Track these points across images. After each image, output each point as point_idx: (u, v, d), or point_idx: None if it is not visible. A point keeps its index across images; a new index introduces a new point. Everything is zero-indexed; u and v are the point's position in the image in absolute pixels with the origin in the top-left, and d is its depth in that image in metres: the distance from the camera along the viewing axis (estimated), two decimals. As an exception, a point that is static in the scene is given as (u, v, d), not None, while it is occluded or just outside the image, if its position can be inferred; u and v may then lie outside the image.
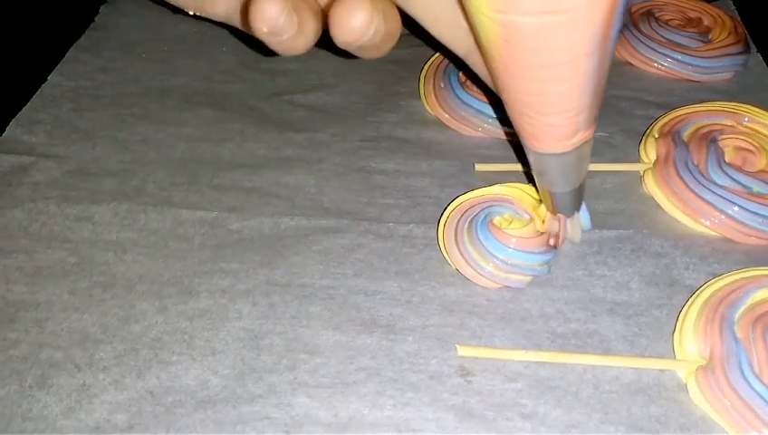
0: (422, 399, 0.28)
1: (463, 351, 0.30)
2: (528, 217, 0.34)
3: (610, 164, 0.39)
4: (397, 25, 0.25)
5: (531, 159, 0.28)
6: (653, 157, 0.39)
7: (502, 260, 0.31)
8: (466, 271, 0.32)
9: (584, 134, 0.25)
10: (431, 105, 0.43)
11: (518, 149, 0.28)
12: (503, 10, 0.19)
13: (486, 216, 0.33)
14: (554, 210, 0.32)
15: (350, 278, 0.33)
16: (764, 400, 0.27)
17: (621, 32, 0.29)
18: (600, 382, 0.29)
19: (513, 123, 0.26)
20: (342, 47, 0.24)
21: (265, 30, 0.23)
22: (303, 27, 0.23)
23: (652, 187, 0.38)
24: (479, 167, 0.39)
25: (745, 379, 0.27)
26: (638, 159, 0.40)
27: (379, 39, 0.23)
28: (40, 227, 0.35)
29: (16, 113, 0.41)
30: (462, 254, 0.32)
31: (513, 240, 0.32)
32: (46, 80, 0.44)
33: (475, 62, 0.28)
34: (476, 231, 0.32)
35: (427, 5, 0.26)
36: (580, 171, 0.29)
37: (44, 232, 0.34)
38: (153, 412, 0.27)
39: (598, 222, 0.35)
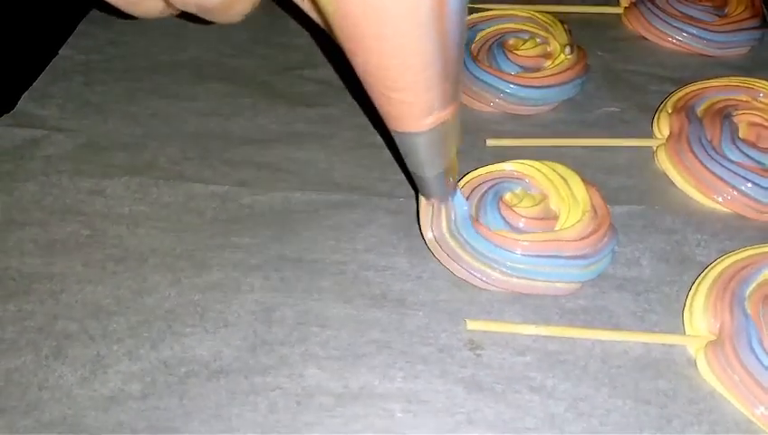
0: (432, 371, 0.28)
1: (472, 325, 0.30)
2: (540, 193, 0.33)
3: (623, 139, 0.39)
4: None
5: (395, 140, 0.27)
6: (666, 132, 0.38)
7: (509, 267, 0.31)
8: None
9: (440, 114, 0.24)
10: (442, 80, 0.42)
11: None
12: None
13: (496, 193, 0.33)
14: (427, 195, 0.31)
15: (360, 253, 0.33)
16: (773, 375, 0.27)
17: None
18: (609, 357, 0.29)
19: (372, 100, 0.25)
20: (180, 8, 0.23)
21: None
22: None
23: (665, 162, 0.37)
24: (490, 142, 0.39)
25: (755, 355, 0.27)
26: (651, 135, 0.40)
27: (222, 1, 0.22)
28: (53, 201, 0.35)
29: (28, 87, 0.41)
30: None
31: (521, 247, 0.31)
32: (57, 53, 0.44)
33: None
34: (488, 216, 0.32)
35: None
36: (441, 155, 0.27)
37: (57, 205, 0.35)
38: (167, 382, 0.28)
39: (610, 197, 0.35)
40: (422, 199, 0.32)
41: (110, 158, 0.37)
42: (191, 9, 0.22)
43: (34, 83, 0.42)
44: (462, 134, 0.28)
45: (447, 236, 0.32)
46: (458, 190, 0.32)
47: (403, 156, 0.28)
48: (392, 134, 0.26)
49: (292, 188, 0.36)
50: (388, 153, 0.38)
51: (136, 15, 0.25)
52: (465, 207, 0.32)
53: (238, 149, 0.38)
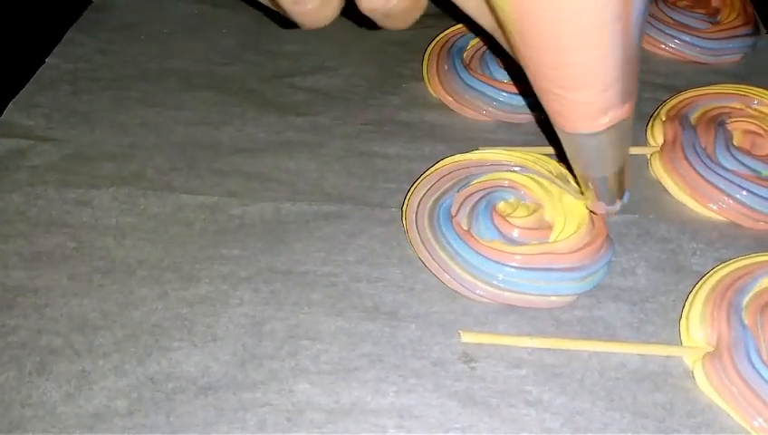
0: (425, 385, 0.28)
1: (466, 337, 0.29)
2: (534, 203, 0.33)
3: (617, 148, 0.39)
4: None
5: (562, 141, 0.26)
6: (660, 140, 0.38)
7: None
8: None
9: (617, 112, 0.23)
10: (434, 87, 0.42)
11: (550, 131, 0.27)
12: None
13: (489, 202, 0.32)
14: (595, 198, 0.30)
15: (352, 265, 0.33)
16: (772, 387, 0.26)
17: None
18: (606, 369, 0.28)
19: (541, 102, 0.24)
20: (368, 14, 0.23)
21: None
22: None
23: (659, 170, 0.37)
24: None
25: (753, 366, 0.27)
26: (645, 143, 0.39)
27: (406, 5, 0.22)
28: (38, 212, 0.34)
29: (14, 96, 0.40)
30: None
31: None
32: (44, 62, 0.43)
33: (501, 37, 0.26)
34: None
35: None
36: (616, 154, 0.27)
37: (43, 217, 0.34)
38: (153, 399, 0.27)
39: (603, 207, 0.34)
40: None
41: (97, 168, 0.37)
42: (375, 15, 0.23)
43: (20, 93, 0.41)
44: (632, 131, 0.27)
45: None
46: (627, 193, 0.31)
47: (570, 159, 0.27)
48: (559, 134, 0.26)
49: (283, 198, 0.36)
50: (379, 162, 0.38)
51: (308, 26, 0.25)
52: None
53: (227, 159, 0.38)
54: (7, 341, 0.29)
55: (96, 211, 0.34)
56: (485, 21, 0.26)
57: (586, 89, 0.22)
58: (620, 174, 0.28)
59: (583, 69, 0.21)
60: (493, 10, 0.22)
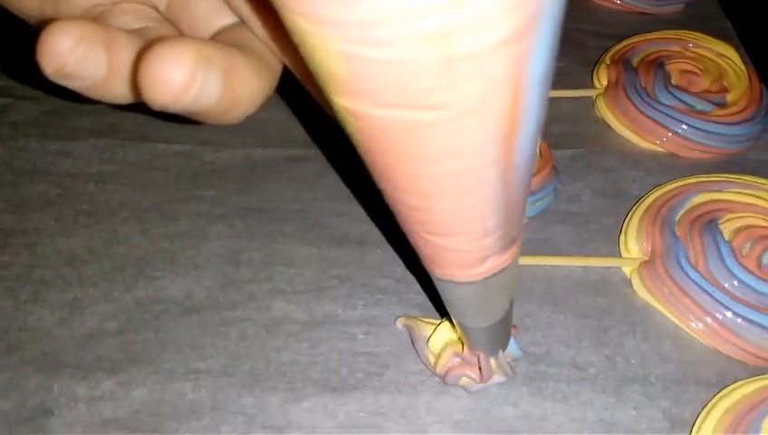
0: (390, 299, 0.30)
1: (427, 258, 0.32)
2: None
3: (565, 90, 0.42)
4: (255, 85, 0.18)
5: (435, 285, 0.22)
6: (605, 82, 0.41)
7: None
8: None
9: (498, 261, 0.19)
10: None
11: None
12: (353, 99, 0.13)
13: None
14: (471, 347, 0.26)
15: (321, 202, 0.35)
16: (699, 286, 0.30)
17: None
18: (552, 280, 0.31)
19: (410, 241, 0.20)
20: (156, 108, 0.15)
21: (49, 71, 0.15)
22: (118, 69, 0.16)
23: (603, 109, 0.40)
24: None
25: (682, 269, 0.30)
26: (591, 85, 0.42)
27: (217, 103, 0.16)
28: (22, 163, 0.36)
29: (-10, 59, 0.42)
30: None
31: None
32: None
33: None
34: None
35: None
36: (497, 304, 0.23)
37: (27, 167, 0.36)
38: (142, 319, 0.29)
39: (554, 143, 0.37)
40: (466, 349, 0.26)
41: (75, 122, 0.39)
42: (175, 112, 0.15)
43: (-4, 55, 0.42)
44: (520, 276, 0.24)
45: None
46: (513, 340, 0.27)
47: (443, 301, 0.23)
48: (432, 278, 0.21)
49: (253, 144, 0.38)
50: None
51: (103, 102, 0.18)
52: (518, 355, 0.28)
53: (201, 111, 0.40)
54: (1, 275, 0.31)
55: (77, 161, 0.37)
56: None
57: (458, 236, 0.18)
58: (503, 322, 0.24)
59: (454, 216, 0.17)
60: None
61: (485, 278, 0.19)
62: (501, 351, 0.26)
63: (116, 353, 0.28)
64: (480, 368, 0.26)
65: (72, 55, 0.15)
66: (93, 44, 0.15)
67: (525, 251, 0.33)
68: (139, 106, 0.16)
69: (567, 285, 0.31)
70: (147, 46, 0.15)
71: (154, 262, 0.32)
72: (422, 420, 0.27)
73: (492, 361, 0.26)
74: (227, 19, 0.18)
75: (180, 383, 0.27)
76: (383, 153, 0.15)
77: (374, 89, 0.13)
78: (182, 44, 0.14)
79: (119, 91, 0.16)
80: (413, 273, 0.31)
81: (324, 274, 0.32)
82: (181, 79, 0.14)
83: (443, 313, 0.28)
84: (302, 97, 0.40)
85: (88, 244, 0.32)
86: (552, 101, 0.41)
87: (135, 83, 0.15)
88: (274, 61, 0.18)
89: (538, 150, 0.35)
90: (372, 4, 0.11)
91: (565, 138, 0.39)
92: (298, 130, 0.39)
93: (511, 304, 0.24)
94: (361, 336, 0.29)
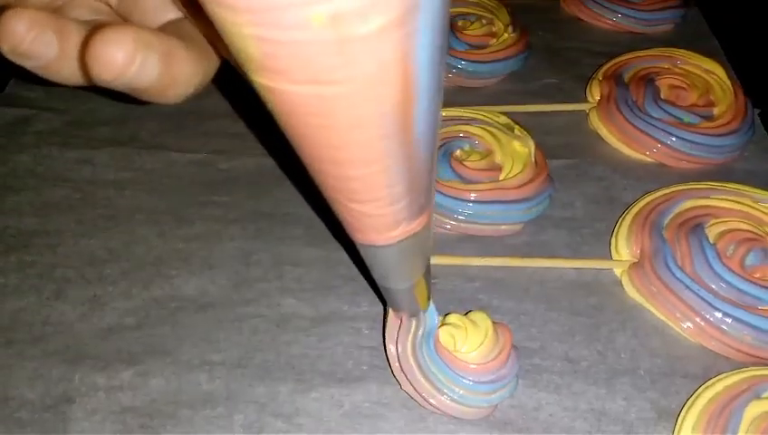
0: (393, 297, 0.32)
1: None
2: (485, 150, 0.38)
3: (560, 104, 0.44)
4: (191, 69, 0.19)
5: (360, 251, 0.24)
6: (597, 97, 0.43)
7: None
8: None
9: (409, 226, 0.22)
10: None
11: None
12: (269, 77, 0.15)
13: (447, 150, 0.37)
14: (395, 308, 0.29)
15: (327, 207, 0.37)
16: (685, 285, 0.31)
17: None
18: (546, 281, 0.33)
19: (330, 206, 0.22)
20: (102, 85, 0.17)
21: (6, 48, 0.17)
22: (68, 51, 0.18)
23: (596, 122, 0.42)
24: (444, 113, 0.43)
25: (670, 270, 0.32)
26: (584, 100, 0.44)
27: (155, 81, 0.18)
28: (45, 170, 0.38)
29: (15, 73, 0.44)
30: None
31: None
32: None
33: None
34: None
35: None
36: (413, 266, 0.25)
37: (49, 173, 0.38)
38: (159, 315, 0.31)
39: (549, 153, 0.39)
40: (390, 311, 0.30)
41: (95, 132, 0.41)
42: (119, 88, 0.18)
43: (21, 68, 0.44)
44: (433, 244, 0.26)
45: (410, 354, 0.29)
46: (431, 304, 0.29)
47: (368, 267, 0.26)
48: (356, 244, 0.24)
49: (264, 154, 0.40)
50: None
51: (56, 82, 0.20)
52: (436, 322, 0.29)
53: (212, 123, 0.42)
54: (26, 273, 0.33)
55: (96, 168, 0.39)
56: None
57: (370, 202, 0.20)
58: (421, 285, 0.27)
59: (366, 183, 0.19)
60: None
61: (400, 241, 0.22)
62: (421, 312, 0.29)
63: (134, 346, 0.30)
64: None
65: (27, 36, 0.17)
66: (45, 29, 0.17)
67: (522, 253, 0.35)
68: (92, 89, 0.19)
69: (561, 285, 0.33)
70: (93, 31, 0.17)
71: (170, 262, 0.34)
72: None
73: (412, 322, 0.29)
74: (173, 14, 0.20)
75: (196, 374, 0.29)
76: (299, 126, 0.17)
77: (285, 68, 0.15)
78: (125, 29, 0.17)
79: (69, 71, 0.18)
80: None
81: (330, 273, 0.33)
82: (123, 58, 0.16)
83: (375, 289, 0.30)
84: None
85: (107, 245, 0.34)
86: (548, 115, 0.43)
87: (83, 63, 0.18)
88: (212, 51, 0.21)
89: (533, 158, 0.37)
90: None
91: (560, 149, 0.41)
92: (306, 141, 0.41)
93: (428, 270, 0.27)
94: (366, 331, 0.31)
